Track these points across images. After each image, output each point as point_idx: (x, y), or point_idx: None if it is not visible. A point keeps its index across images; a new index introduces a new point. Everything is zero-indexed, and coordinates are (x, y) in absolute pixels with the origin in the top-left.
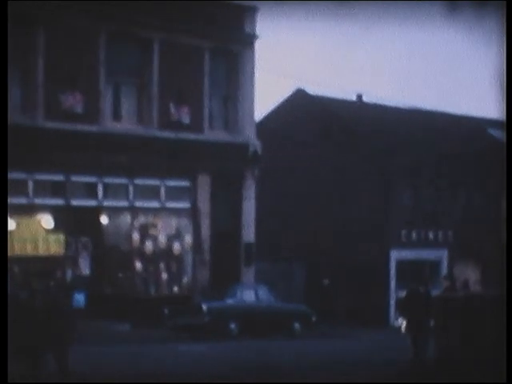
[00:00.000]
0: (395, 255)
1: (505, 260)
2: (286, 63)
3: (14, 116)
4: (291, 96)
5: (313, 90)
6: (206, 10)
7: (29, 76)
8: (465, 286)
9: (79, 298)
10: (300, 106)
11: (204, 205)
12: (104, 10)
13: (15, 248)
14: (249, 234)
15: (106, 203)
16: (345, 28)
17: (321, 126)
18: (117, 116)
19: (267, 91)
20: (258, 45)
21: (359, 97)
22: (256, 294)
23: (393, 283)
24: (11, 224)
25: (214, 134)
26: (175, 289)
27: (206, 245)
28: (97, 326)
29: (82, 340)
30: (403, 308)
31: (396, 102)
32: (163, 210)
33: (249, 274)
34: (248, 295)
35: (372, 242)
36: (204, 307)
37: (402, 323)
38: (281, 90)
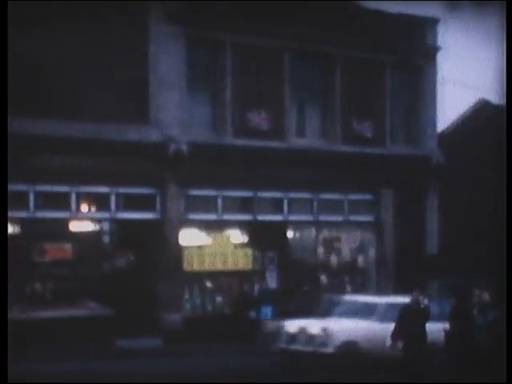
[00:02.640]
0: None
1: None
2: (469, 73)
3: (205, 134)
4: (474, 106)
5: (497, 99)
6: (386, 24)
7: (218, 96)
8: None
9: (266, 311)
10: (483, 116)
11: (387, 218)
12: (287, 28)
13: (206, 263)
14: (432, 246)
15: (291, 218)
16: None
17: (505, 137)
18: (301, 132)
19: (449, 102)
20: (439, 55)
21: None
22: (440, 307)
23: None
24: (202, 239)
25: (395, 148)
26: None
27: (390, 258)
28: None
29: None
30: (396, 330)
31: None
32: (347, 223)
33: (433, 287)
34: (432, 308)
35: None
36: None
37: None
38: (463, 101)
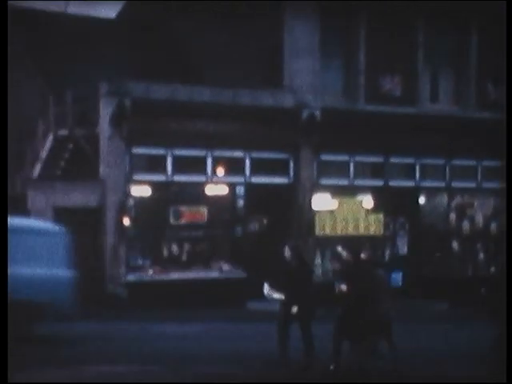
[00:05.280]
0: None
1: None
2: None
3: (337, 100)
4: None
5: None
6: None
7: (351, 63)
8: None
9: (396, 277)
10: None
11: None
12: None
13: (337, 228)
14: None
15: (423, 184)
16: None
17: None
18: (434, 97)
19: None
20: None
21: None
22: None
23: None
24: (334, 204)
25: None
26: (492, 269)
27: None
28: (414, 305)
29: (401, 318)
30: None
31: None
32: (480, 190)
33: None
34: None
35: None
36: None
37: None
38: None
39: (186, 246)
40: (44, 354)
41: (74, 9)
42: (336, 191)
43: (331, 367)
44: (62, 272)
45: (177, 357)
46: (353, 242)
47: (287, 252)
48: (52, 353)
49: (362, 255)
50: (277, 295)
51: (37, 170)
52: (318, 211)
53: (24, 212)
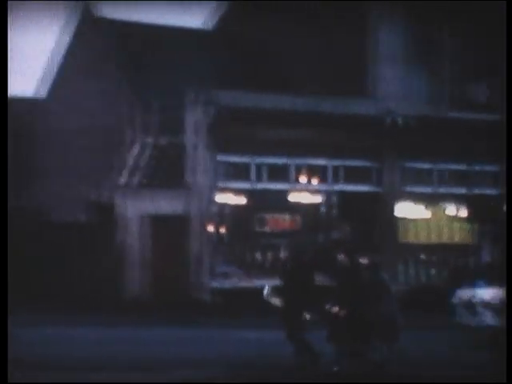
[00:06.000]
0: None
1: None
2: None
3: (421, 107)
4: None
5: None
6: None
7: (435, 70)
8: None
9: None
10: None
11: None
12: None
13: (421, 235)
14: None
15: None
16: None
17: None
18: None
19: None
20: None
21: None
22: None
23: None
24: (418, 212)
25: None
26: None
27: None
28: None
29: None
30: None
31: None
32: None
33: None
34: None
35: None
36: None
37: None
38: None
39: (270, 253)
40: (124, 358)
41: (160, 19)
42: (420, 199)
43: (334, 369)
44: None
45: (255, 362)
46: (350, 246)
47: (283, 253)
48: (133, 356)
49: (362, 260)
50: (275, 300)
51: (124, 178)
52: (401, 219)
53: (111, 219)
